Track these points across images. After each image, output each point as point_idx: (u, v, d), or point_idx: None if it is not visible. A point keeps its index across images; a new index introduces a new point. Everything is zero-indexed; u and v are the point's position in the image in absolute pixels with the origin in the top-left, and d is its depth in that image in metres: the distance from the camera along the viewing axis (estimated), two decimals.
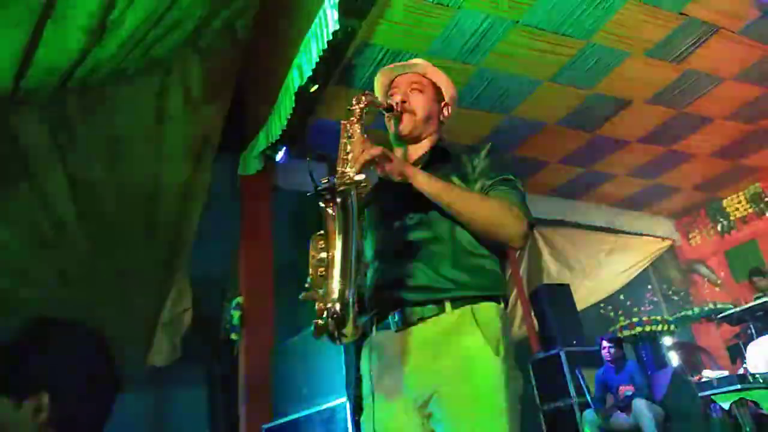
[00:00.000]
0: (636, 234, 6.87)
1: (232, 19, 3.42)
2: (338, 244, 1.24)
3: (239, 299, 4.01)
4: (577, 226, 6.48)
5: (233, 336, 4.01)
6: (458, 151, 1.60)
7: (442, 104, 1.70)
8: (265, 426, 3.62)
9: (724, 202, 6.89)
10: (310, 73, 3.23)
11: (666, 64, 4.32)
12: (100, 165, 3.28)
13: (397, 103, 1.59)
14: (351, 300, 1.20)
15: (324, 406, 3.12)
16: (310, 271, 1.26)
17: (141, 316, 3.86)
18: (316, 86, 3.43)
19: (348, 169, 1.34)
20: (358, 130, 1.43)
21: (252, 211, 4.39)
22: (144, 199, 3.55)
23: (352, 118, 1.47)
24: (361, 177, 1.30)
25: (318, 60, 3.13)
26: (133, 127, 3.35)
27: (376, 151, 1.34)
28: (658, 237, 7.07)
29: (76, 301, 3.83)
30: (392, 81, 1.70)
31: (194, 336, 4.13)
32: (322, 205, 1.27)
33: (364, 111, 1.49)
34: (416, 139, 1.64)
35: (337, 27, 2.91)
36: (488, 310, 1.37)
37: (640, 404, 4.53)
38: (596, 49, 4.08)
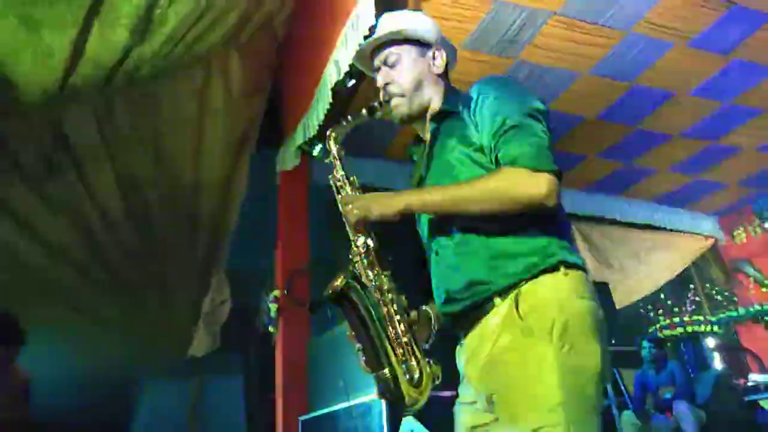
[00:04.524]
0: (678, 231, 6.66)
1: (270, 17, 3.47)
2: (363, 337, 1.33)
3: (276, 292, 4.06)
4: (617, 222, 6.31)
5: (270, 328, 4.08)
6: (463, 102, 1.43)
7: (431, 53, 1.52)
8: (302, 418, 3.66)
9: None
10: (347, 69, 3.24)
11: (711, 55, 4.17)
12: (144, 160, 3.39)
13: (378, 101, 1.49)
14: (397, 376, 1.29)
15: (360, 400, 3.12)
16: (359, 358, 1.37)
17: (182, 307, 3.96)
18: (353, 81, 3.44)
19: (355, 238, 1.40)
20: (341, 182, 1.45)
21: (289, 205, 4.44)
22: (186, 193, 3.65)
23: (335, 163, 1.47)
24: (360, 244, 1.37)
25: (354, 55, 3.13)
26: (175, 123, 3.45)
27: (352, 217, 1.36)
28: (701, 235, 6.84)
29: (120, 291, 3.97)
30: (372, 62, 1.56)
31: (232, 327, 4.22)
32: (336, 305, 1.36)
33: (342, 152, 1.48)
34: (422, 114, 1.51)
35: (374, 22, 2.90)
36: (537, 289, 1.25)
37: (681, 407, 4.42)
38: (637, 39, 3.96)
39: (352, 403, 3.18)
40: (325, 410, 3.42)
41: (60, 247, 3.46)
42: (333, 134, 1.48)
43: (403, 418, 2.80)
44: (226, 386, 6.69)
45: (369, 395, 3.06)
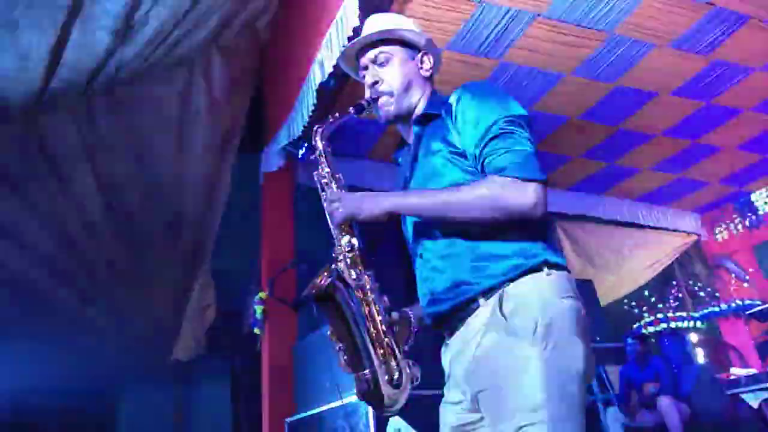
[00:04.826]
0: (660, 229, 6.74)
1: (253, 18, 3.45)
2: (344, 336, 1.32)
3: (262, 294, 4.05)
4: (600, 221, 6.38)
5: (256, 330, 4.06)
6: (445, 107, 1.44)
7: (420, 56, 1.53)
8: (288, 420, 3.66)
9: (753, 196, 6.72)
10: (331, 70, 3.24)
11: (692, 56, 4.22)
12: (125, 163, 3.35)
13: (366, 99, 1.49)
14: (377, 376, 1.29)
15: (345, 401, 3.13)
16: (339, 358, 1.35)
17: (165, 311, 3.93)
18: (337, 82, 3.43)
19: (339, 237, 1.38)
20: (327, 179, 1.44)
21: (273, 206, 4.42)
22: (168, 196, 3.62)
23: (320, 160, 1.46)
24: (344, 243, 1.37)
25: (339, 56, 3.13)
26: (157, 125, 3.41)
27: (338, 217, 1.35)
28: (683, 232, 6.93)
29: (103, 295, 3.93)
30: (359, 61, 1.56)
31: (218, 331, 4.19)
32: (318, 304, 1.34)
33: (328, 149, 1.47)
34: (408, 115, 1.51)
35: (358, 23, 2.90)
36: (520, 289, 1.25)
37: (665, 402, 4.47)
38: (620, 41, 4.00)
39: (338, 403, 3.18)
40: (312, 411, 3.42)
41: (42, 252, 3.41)
42: (320, 131, 1.47)
43: (390, 418, 2.81)
44: (212, 390, 6.65)
45: (355, 395, 3.05)
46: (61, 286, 3.63)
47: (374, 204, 1.34)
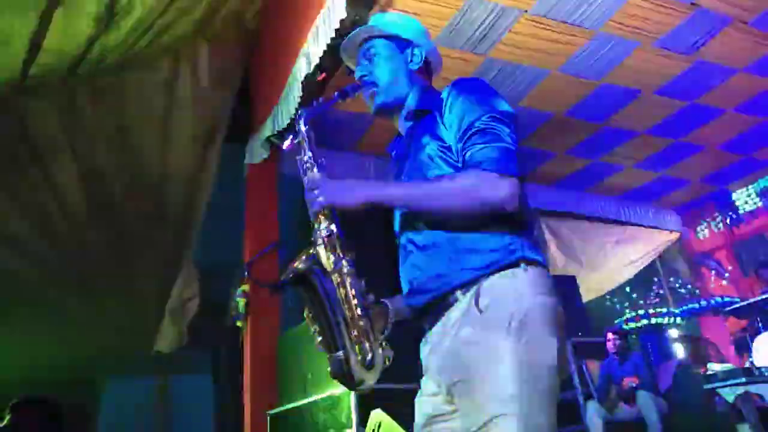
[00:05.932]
0: (643, 226, 6.83)
1: (240, 8, 3.42)
2: (319, 318, 1.35)
3: (245, 287, 4.03)
4: (584, 217, 6.45)
5: (239, 323, 4.05)
6: (436, 102, 1.46)
7: (410, 49, 1.56)
8: (270, 412, 3.66)
9: (734, 195, 6.84)
10: (318, 62, 3.23)
11: (676, 56, 4.28)
12: (108, 152, 3.31)
13: (351, 86, 1.51)
14: (349, 356, 1.31)
15: (327, 393, 3.14)
16: (317, 339, 1.38)
17: (148, 303, 3.90)
18: (323, 75, 3.42)
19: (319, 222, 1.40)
20: (309, 163, 1.44)
21: (258, 198, 4.40)
22: (151, 187, 3.59)
23: (303, 144, 1.46)
24: (323, 228, 1.37)
25: (325, 48, 3.13)
26: (141, 115, 3.38)
27: (316, 204, 1.36)
28: (665, 229, 7.04)
29: (84, 288, 3.89)
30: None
31: (201, 323, 4.17)
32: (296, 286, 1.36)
33: (311, 132, 1.47)
34: (398, 107, 1.54)
35: (345, 15, 2.90)
36: (496, 283, 1.27)
37: (644, 396, 4.54)
38: (605, 39, 4.04)
39: (320, 396, 3.19)
40: (293, 404, 3.42)
41: (23, 241, 3.37)
42: (304, 115, 1.49)
43: (372, 411, 2.82)
44: (194, 383, 6.62)
45: (337, 389, 3.07)
46: (41, 275, 3.59)
47: (351, 193, 1.35)
